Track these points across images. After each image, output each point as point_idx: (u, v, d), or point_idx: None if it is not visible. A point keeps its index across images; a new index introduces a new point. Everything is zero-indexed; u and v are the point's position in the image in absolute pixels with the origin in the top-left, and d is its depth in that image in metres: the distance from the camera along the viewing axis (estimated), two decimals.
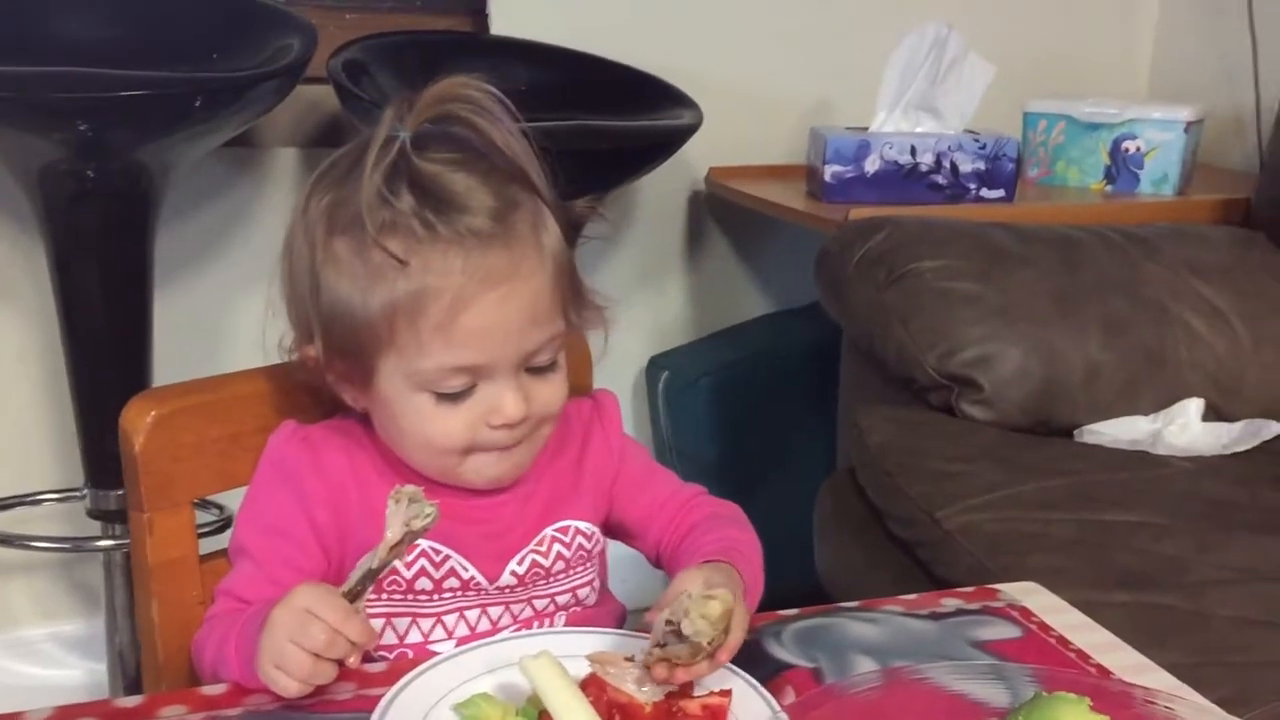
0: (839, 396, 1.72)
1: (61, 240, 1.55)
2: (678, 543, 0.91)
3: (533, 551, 0.87)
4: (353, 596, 0.73)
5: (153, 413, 0.84)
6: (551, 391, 0.84)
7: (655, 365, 2.09)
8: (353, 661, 0.73)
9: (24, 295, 1.79)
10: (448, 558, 0.84)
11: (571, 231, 0.86)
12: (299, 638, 0.71)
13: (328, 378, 0.85)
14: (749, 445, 2.07)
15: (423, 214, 0.78)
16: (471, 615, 0.86)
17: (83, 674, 1.91)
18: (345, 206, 0.80)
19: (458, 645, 0.83)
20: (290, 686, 0.72)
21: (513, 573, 0.86)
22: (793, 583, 1.66)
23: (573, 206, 0.87)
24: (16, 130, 1.48)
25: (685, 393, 2.05)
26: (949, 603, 0.89)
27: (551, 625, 0.88)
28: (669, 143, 1.81)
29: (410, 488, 0.73)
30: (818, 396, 1.91)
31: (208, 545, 0.92)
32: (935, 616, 0.86)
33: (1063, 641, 0.84)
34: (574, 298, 0.86)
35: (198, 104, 1.48)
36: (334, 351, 0.82)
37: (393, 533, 0.72)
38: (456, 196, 0.79)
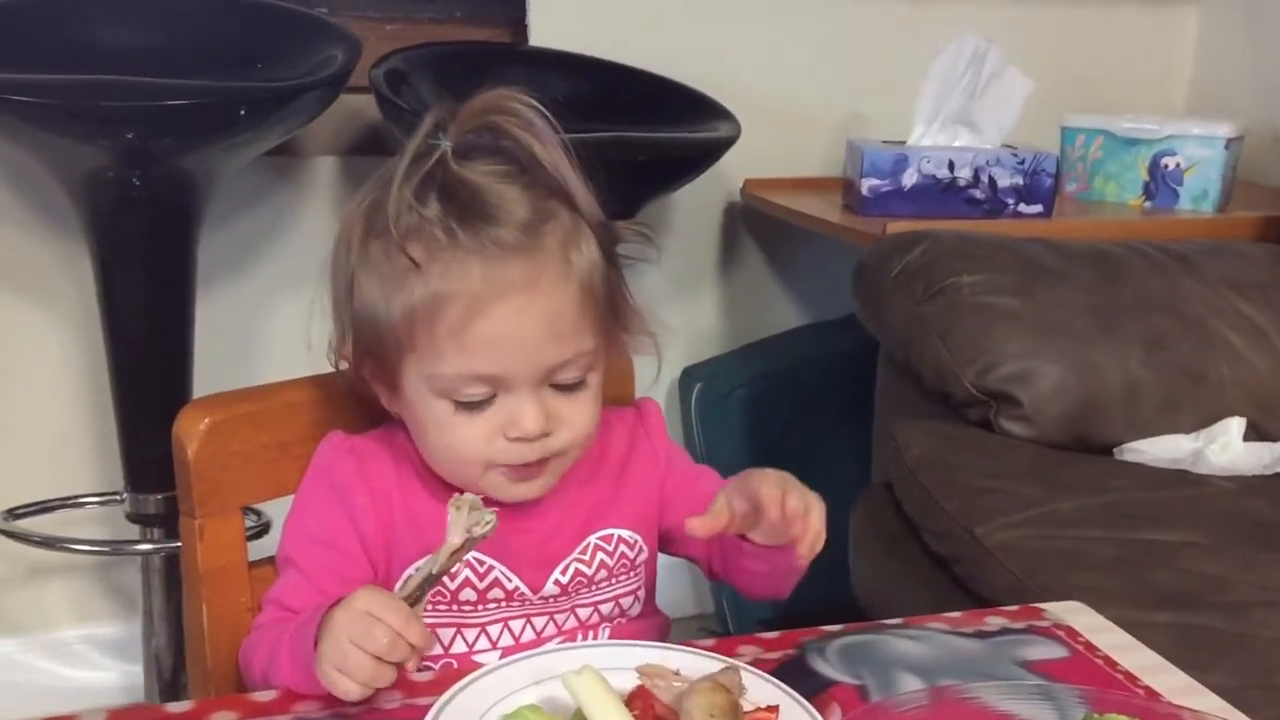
0: (874, 410, 1.71)
1: (106, 247, 1.57)
2: (726, 540, 0.90)
3: (576, 560, 0.88)
4: (412, 601, 0.74)
5: (205, 420, 0.85)
6: (577, 411, 0.83)
7: (689, 376, 2.09)
8: (411, 666, 0.73)
9: (67, 301, 1.81)
10: (491, 568, 0.85)
11: (613, 250, 0.85)
12: (361, 640, 0.71)
13: (362, 376, 0.86)
14: (782, 457, 2.03)
15: (446, 221, 0.79)
16: (516, 625, 0.86)
17: (118, 676, 1.93)
18: (381, 210, 0.81)
19: (502, 655, 0.84)
20: (351, 689, 0.72)
21: (556, 582, 0.87)
22: (825, 596, 1.66)
23: (615, 226, 0.86)
24: (63, 138, 1.50)
25: (719, 404, 2.05)
26: (994, 621, 0.88)
27: (595, 635, 0.88)
28: (707, 155, 1.81)
29: (470, 495, 0.74)
30: (851, 409, 1.91)
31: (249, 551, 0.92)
32: (980, 635, 0.86)
33: (1110, 662, 0.83)
34: (614, 317, 0.85)
35: (242, 113, 1.50)
36: (364, 352, 0.84)
37: (455, 538, 0.73)
38: (487, 206, 0.80)
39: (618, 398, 1.03)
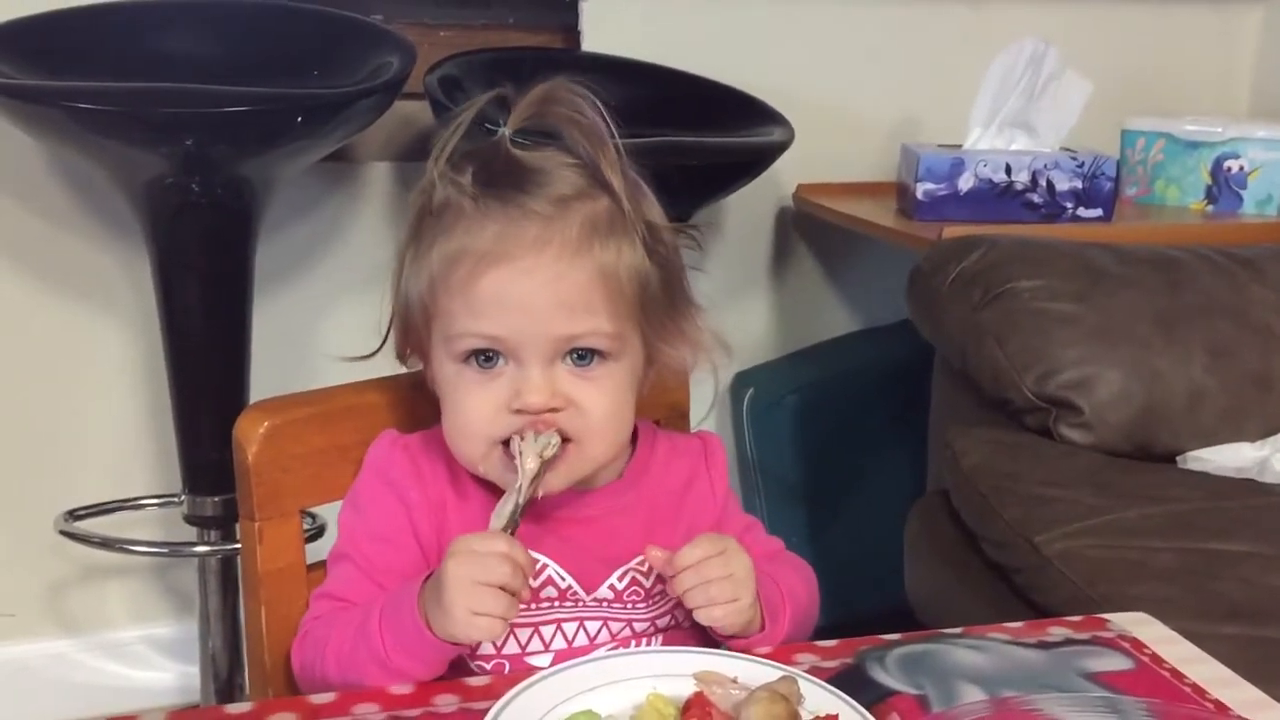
0: (930, 417, 1.69)
1: (165, 252, 1.59)
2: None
3: (635, 570, 0.87)
4: (510, 532, 0.78)
5: (265, 424, 0.85)
6: (590, 394, 0.81)
7: (740, 382, 2.08)
8: (525, 595, 0.78)
9: (126, 306, 1.84)
10: (545, 566, 0.85)
11: (660, 253, 0.84)
12: (486, 576, 0.75)
13: (406, 354, 0.87)
14: (834, 463, 2.05)
15: (476, 188, 0.80)
16: (569, 628, 0.86)
17: (173, 676, 1.95)
18: (423, 192, 0.83)
19: (555, 658, 0.83)
20: (495, 626, 0.75)
21: (611, 586, 0.86)
22: (878, 603, 1.65)
23: (661, 228, 0.85)
24: (124, 144, 1.52)
25: (770, 410, 2.04)
26: (1057, 631, 0.87)
27: (649, 644, 0.88)
28: (760, 159, 1.80)
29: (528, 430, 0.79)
30: (904, 416, 1.89)
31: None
32: (1043, 645, 0.84)
33: (1176, 675, 0.81)
34: (650, 318, 0.84)
35: (299, 120, 1.51)
36: (404, 329, 0.85)
37: (531, 464, 0.78)
38: (524, 179, 0.80)
39: (672, 404, 1.02)
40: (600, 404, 0.82)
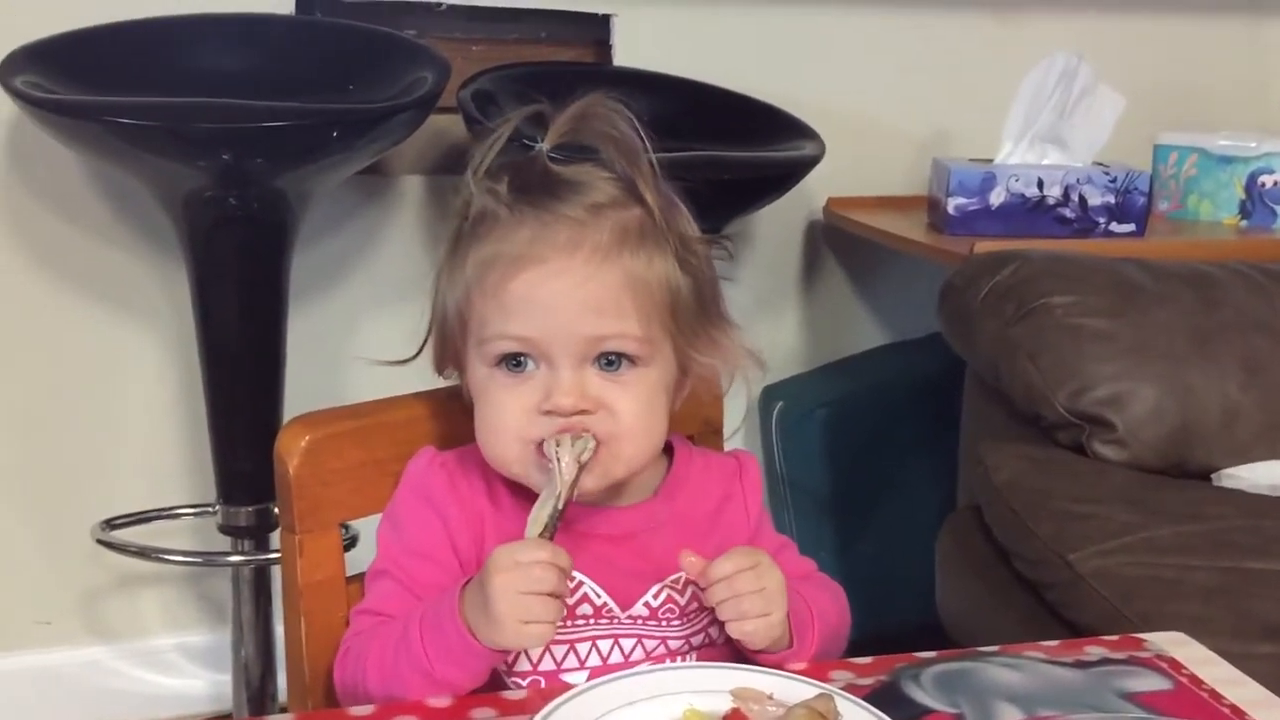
0: (961, 431, 1.69)
1: (202, 265, 1.60)
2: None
3: (670, 588, 0.87)
4: (549, 537, 0.79)
5: (306, 438, 0.87)
6: (621, 397, 0.82)
7: (769, 395, 2.08)
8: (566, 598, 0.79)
9: (163, 317, 1.86)
10: (581, 584, 0.85)
11: (692, 264, 0.86)
12: (533, 585, 0.76)
13: (444, 366, 0.89)
14: (864, 477, 2.05)
15: (511, 196, 0.82)
16: (604, 645, 0.86)
17: (206, 684, 1.97)
18: (462, 200, 0.85)
19: (590, 675, 0.84)
20: (546, 631, 0.77)
21: (646, 604, 0.87)
22: (910, 618, 1.64)
23: (695, 240, 0.86)
24: (163, 158, 1.54)
25: (800, 424, 2.04)
26: (1093, 651, 0.86)
27: (685, 657, 0.88)
28: (791, 173, 1.81)
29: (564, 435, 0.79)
30: (934, 430, 1.89)
31: None
32: (1080, 665, 0.84)
33: (1215, 696, 0.81)
34: (678, 322, 0.85)
35: (335, 135, 1.53)
36: (442, 339, 0.87)
37: (569, 468, 0.79)
38: (560, 187, 0.82)
39: (705, 419, 1.03)
40: (630, 407, 0.82)
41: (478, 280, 0.82)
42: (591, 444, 0.79)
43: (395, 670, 0.80)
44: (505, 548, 0.77)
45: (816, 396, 2.05)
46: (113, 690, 1.94)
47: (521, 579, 0.76)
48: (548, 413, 0.81)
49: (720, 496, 0.93)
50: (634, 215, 0.83)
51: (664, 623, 0.87)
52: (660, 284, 0.83)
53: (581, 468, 0.79)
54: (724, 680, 0.76)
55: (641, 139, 0.83)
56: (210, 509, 1.72)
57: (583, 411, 0.81)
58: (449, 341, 0.87)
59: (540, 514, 0.79)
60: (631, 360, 0.83)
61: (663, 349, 0.84)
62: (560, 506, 0.79)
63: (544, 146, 0.83)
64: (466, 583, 0.80)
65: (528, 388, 0.82)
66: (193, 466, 1.90)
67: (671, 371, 0.86)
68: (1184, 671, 0.84)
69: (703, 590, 0.83)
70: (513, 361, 0.82)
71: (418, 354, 0.89)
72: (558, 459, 0.79)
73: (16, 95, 1.50)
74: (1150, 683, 0.82)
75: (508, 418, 0.82)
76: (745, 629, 0.81)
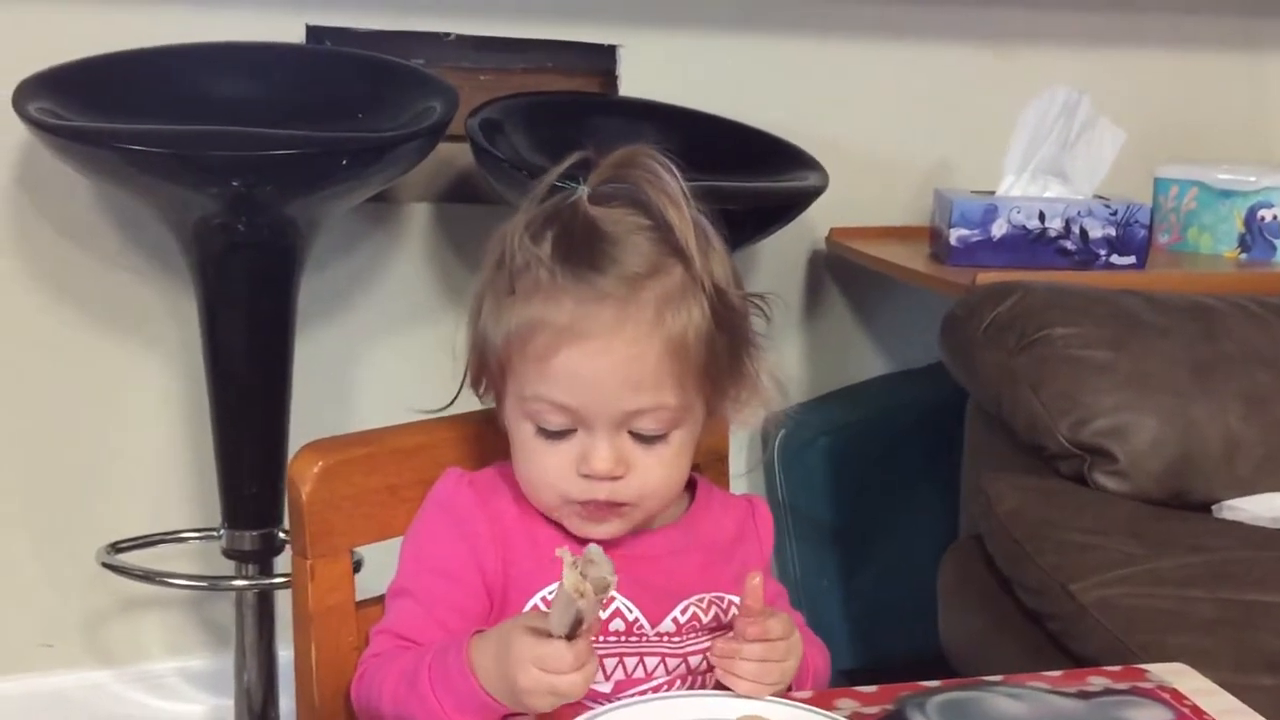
0: (963, 462, 1.70)
1: (211, 290, 1.62)
2: None
3: (695, 605, 0.89)
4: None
5: (319, 464, 0.87)
6: (652, 463, 0.85)
7: (772, 423, 2.08)
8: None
9: (170, 342, 1.87)
10: (612, 599, 0.86)
11: (729, 318, 0.87)
12: (559, 691, 0.75)
13: (481, 386, 0.90)
14: (866, 506, 2.06)
15: (552, 262, 0.83)
16: (630, 662, 0.87)
17: (207, 710, 1.97)
18: (505, 242, 0.87)
19: (614, 689, 0.85)
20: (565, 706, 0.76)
21: (674, 619, 0.88)
22: (912, 648, 1.64)
23: (732, 296, 0.87)
24: (174, 185, 1.56)
25: (802, 453, 2.04)
26: (1096, 681, 0.87)
27: (704, 681, 0.88)
28: (795, 204, 1.82)
29: (593, 549, 0.75)
30: (935, 459, 1.89)
31: None
32: (1083, 695, 0.85)
33: None
34: (713, 382, 0.87)
35: (345, 163, 1.55)
36: (479, 368, 0.89)
37: (589, 596, 0.73)
38: (599, 252, 0.83)
39: (711, 448, 1.04)
40: (661, 471, 0.86)
41: (520, 340, 0.84)
42: (613, 579, 0.74)
43: (409, 711, 0.80)
44: (532, 642, 0.75)
45: (819, 425, 2.06)
46: (114, 714, 1.93)
47: (548, 686, 0.74)
48: (584, 475, 0.84)
49: (736, 531, 0.95)
50: (673, 277, 0.84)
51: (686, 639, 0.89)
52: (698, 341, 0.85)
53: (601, 591, 0.74)
54: (732, 708, 0.77)
55: (682, 187, 0.85)
56: (215, 533, 1.72)
57: (616, 477, 0.84)
58: (487, 371, 0.89)
59: (565, 614, 0.74)
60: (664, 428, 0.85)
61: (695, 408, 0.87)
62: (586, 624, 0.74)
63: (584, 189, 0.85)
64: (475, 634, 0.80)
65: (565, 446, 0.85)
66: (198, 490, 1.90)
67: (700, 421, 0.88)
68: (1186, 703, 0.84)
69: (742, 620, 0.83)
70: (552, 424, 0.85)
71: (455, 398, 0.92)
72: (583, 581, 0.73)
73: (30, 122, 1.52)
74: (1153, 714, 0.83)
75: (548, 475, 0.86)
76: (743, 687, 0.82)
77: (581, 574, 0.72)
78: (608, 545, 0.84)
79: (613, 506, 0.86)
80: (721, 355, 0.87)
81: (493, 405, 0.91)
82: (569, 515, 0.87)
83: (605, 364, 0.82)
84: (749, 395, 0.90)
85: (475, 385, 0.91)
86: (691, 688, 0.88)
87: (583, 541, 0.85)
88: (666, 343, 0.83)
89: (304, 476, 0.87)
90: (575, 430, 0.84)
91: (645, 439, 0.85)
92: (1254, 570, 1.28)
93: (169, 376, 1.89)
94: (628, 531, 0.88)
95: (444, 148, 1.73)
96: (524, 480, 0.88)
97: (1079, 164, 1.84)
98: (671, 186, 0.84)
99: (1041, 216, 1.80)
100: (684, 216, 0.84)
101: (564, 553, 0.73)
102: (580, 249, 0.83)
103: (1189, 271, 1.90)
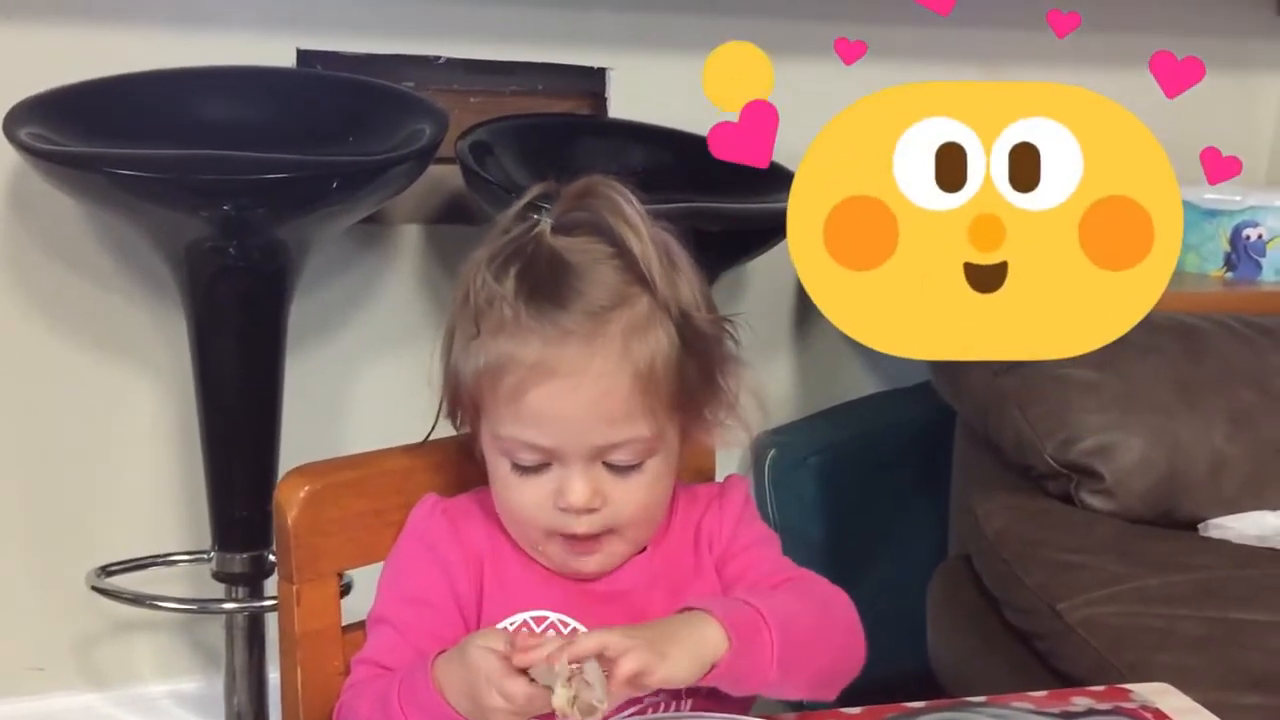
0: (952, 481, 1.70)
1: (202, 313, 1.62)
2: None
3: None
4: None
5: (306, 488, 0.88)
6: (628, 492, 0.85)
7: (762, 443, 2.09)
8: None
9: (160, 365, 1.87)
10: (575, 630, 0.86)
11: (696, 342, 0.87)
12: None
13: (457, 415, 0.90)
14: (856, 525, 2.06)
15: (516, 301, 0.83)
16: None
17: None
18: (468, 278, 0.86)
19: None
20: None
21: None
22: (901, 667, 1.64)
23: (699, 319, 0.87)
24: (165, 209, 1.56)
25: (792, 471, 2.05)
26: (1079, 701, 0.87)
27: (679, 705, 0.89)
28: (784, 224, 1.83)
29: (591, 668, 0.73)
30: (925, 477, 1.90)
31: None
32: (1067, 716, 0.85)
33: None
34: (684, 406, 0.87)
35: (335, 185, 1.55)
36: (453, 402, 0.89)
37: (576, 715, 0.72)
38: (562, 288, 0.83)
39: (698, 469, 1.04)
40: (638, 498, 0.86)
41: (490, 379, 0.84)
42: (600, 708, 0.72)
43: None
44: (494, 683, 0.74)
45: (809, 444, 2.06)
46: None
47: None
48: (562, 509, 0.84)
49: (695, 524, 0.93)
50: (637, 306, 0.84)
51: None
52: (667, 368, 0.84)
53: (587, 715, 0.73)
54: None
55: (640, 213, 0.85)
56: (205, 555, 1.72)
57: (593, 510, 0.84)
58: (460, 403, 0.88)
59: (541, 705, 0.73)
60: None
61: (669, 434, 0.86)
62: None
63: (547, 221, 0.85)
64: (438, 655, 0.80)
65: (541, 480, 0.85)
66: (188, 513, 1.90)
67: (676, 446, 0.88)
68: None
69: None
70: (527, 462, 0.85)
71: (430, 433, 0.91)
72: (561, 713, 0.72)
73: (21, 147, 1.52)
74: None
75: (525, 509, 0.86)
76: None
77: (575, 694, 0.71)
78: (588, 581, 0.85)
79: (594, 539, 0.86)
80: (692, 379, 0.86)
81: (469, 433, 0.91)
82: (554, 551, 0.87)
83: (576, 401, 0.82)
84: (727, 415, 0.89)
85: (451, 417, 0.91)
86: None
87: (561, 576, 0.86)
88: (635, 374, 0.83)
89: (290, 501, 0.87)
90: (550, 465, 0.84)
91: (620, 469, 0.85)
92: (1240, 589, 1.29)
93: (159, 399, 1.89)
94: (616, 565, 0.88)
95: (434, 170, 1.74)
96: (504, 515, 0.88)
97: None
98: (630, 213, 0.84)
99: None
100: (644, 243, 0.84)
101: (563, 666, 0.72)
102: (544, 285, 0.83)
103: (1175, 291, 1.85)
